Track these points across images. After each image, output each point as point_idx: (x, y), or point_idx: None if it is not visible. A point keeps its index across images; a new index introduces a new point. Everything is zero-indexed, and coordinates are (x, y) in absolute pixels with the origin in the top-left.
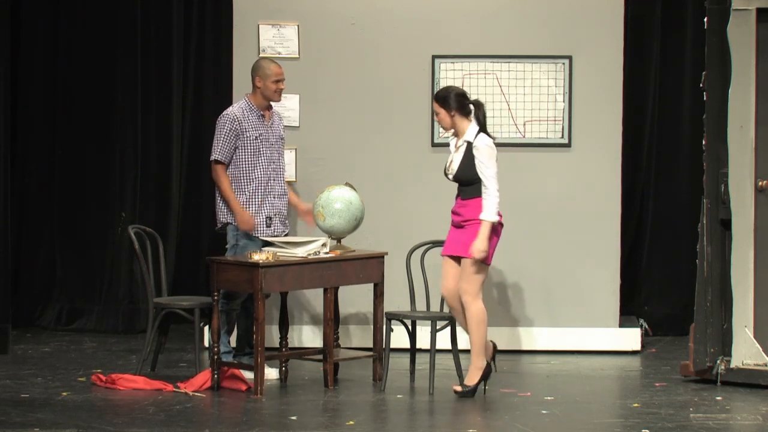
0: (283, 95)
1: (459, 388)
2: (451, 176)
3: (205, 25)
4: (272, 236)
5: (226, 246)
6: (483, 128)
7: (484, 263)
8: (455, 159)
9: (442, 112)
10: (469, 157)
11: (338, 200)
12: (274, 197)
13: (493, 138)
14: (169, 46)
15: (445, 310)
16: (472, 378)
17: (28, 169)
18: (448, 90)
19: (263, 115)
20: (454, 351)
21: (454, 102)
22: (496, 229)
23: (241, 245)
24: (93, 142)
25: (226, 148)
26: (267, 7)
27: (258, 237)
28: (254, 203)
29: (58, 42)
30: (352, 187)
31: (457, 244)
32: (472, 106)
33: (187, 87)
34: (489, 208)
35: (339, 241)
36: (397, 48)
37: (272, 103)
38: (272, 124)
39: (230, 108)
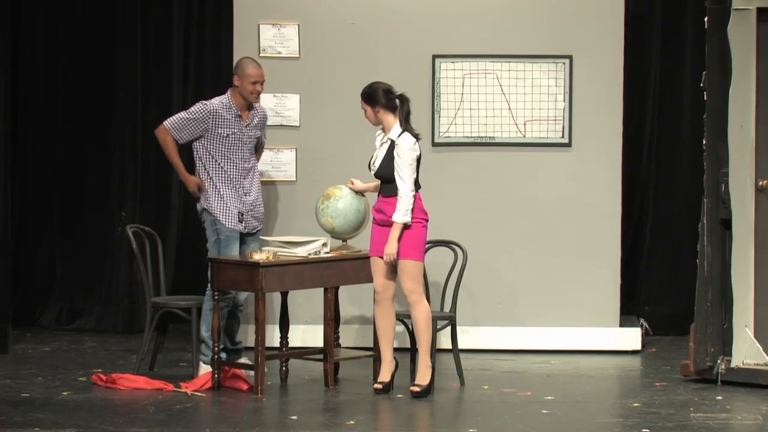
0: (283, 95)
1: (417, 389)
2: (373, 172)
3: (206, 25)
4: (245, 232)
5: (207, 245)
6: (407, 124)
7: (419, 260)
8: (379, 155)
9: (368, 108)
10: (391, 155)
11: (341, 200)
12: (245, 194)
13: (417, 135)
14: (170, 46)
15: (446, 309)
16: (424, 377)
17: (28, 169)
18: (373, 86)
19: (240, 116)
20: (455, 351)
21: (381, 97)
22: (423, 225)
23: (223, 239)
24: (93, 142)
25: (184, 131)
26: (267, 6)
27: (235, 229)
28: (227, 197)
29: (58, 42)
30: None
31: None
32: (397, 101)
33: (188, 87)
34: (401, 209)
35: (345, 240)
36: (398, 48)
37: (262, 104)
38: (249, 124)
39: (214, 99)
